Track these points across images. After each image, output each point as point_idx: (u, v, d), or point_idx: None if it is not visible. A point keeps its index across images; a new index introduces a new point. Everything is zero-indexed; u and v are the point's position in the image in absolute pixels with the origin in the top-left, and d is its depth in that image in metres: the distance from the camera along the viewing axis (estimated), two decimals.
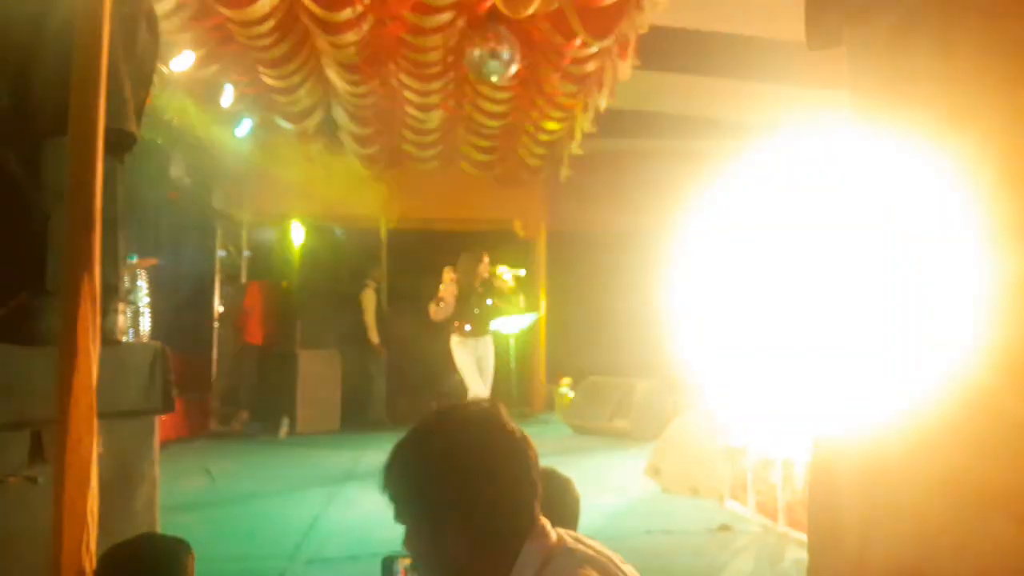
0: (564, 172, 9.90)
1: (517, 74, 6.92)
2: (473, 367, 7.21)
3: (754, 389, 6.14)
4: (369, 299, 9.80)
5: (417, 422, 1.45)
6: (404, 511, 1.40)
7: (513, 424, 1.44)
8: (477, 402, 1.49)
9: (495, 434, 1.41)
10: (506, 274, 7.74)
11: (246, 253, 10.08)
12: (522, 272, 7.80)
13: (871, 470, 1.51)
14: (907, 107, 1.41)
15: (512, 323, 8.16)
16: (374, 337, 9.75)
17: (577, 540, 1.47)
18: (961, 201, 1.39)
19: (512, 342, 9.20)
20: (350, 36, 6.52)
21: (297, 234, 10.35)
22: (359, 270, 10.18)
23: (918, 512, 1.36)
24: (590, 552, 1.44)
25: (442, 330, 7.64)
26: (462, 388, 7.35)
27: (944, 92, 1.32)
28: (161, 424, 3.55)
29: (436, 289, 7.45)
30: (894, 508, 1.42)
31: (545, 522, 1.46)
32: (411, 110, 8.24)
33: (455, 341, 7.34)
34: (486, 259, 7.47)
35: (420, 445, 1.41)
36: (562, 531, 1.47)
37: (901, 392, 1.57)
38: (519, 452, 1.42)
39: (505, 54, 6.64)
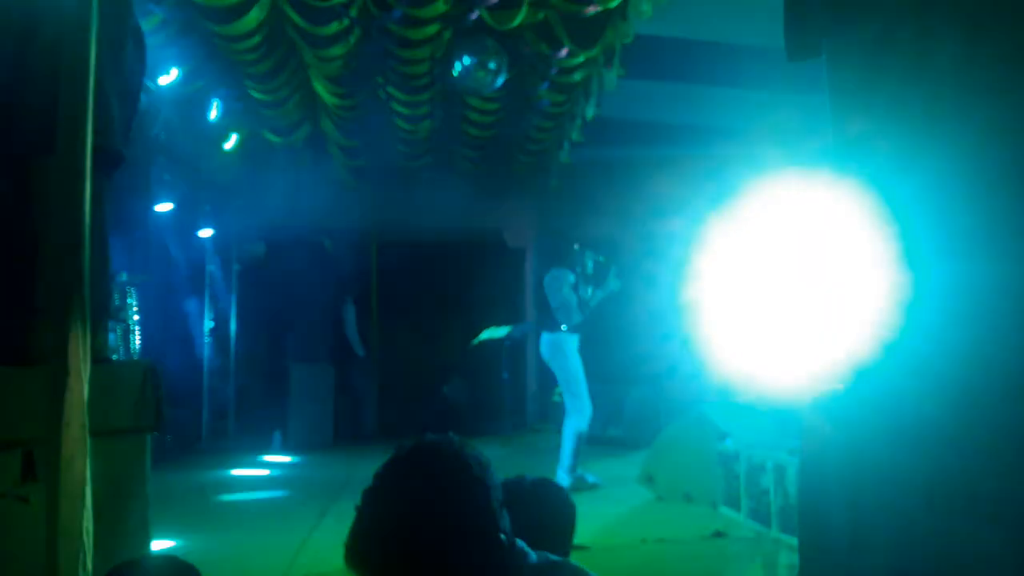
0: (553, 181, 9.95)
1: (504, 85, 6.96)
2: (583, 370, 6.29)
3: (747, 393, 6.17)
4: (349, 313, 9.87)
5: (370, 486, 1.46)
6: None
7: (464, 458, 1.44)
8: (432, 447, 1.48)
9: (441, 485, 1.41)
10: (593, 260, 6.70)
11: (236, 267, 10.06)
12: (601, 257, 6.65)
13: (859, 476, 1.53)
14: (886, 117, 1.43)
15: (497, 332, 8.02)
16: (359, 349, 9.78)
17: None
18: (940, 208, 1.41)
19: (504, 351, 9.21)
20: (337, 49, 6.55)
21: (286, 248, 10.34)
22: (349, 283, 10.20)
23: (904, 517, 1.37)
24: (574, 565, 1.46)
25: (435, 341, 7.52)
26: (457, 398, 7.21)
27: (922, 102, 1.34)
28: (153, 441, 3.54)
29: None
30: (882, 513, 1.44)
31: (522, 544, 1.46)
32: (399, 122, 8.27)
33: (563, 340, 6.24)
34: (576, 247, 6.56)
35: (370, 514, 1.42)
36: (543, 553, 1.48)
37: (888, 398, 1.59)
38: (470, 495, 1.42)
39: (492, 65, 6.68)
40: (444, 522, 1.37)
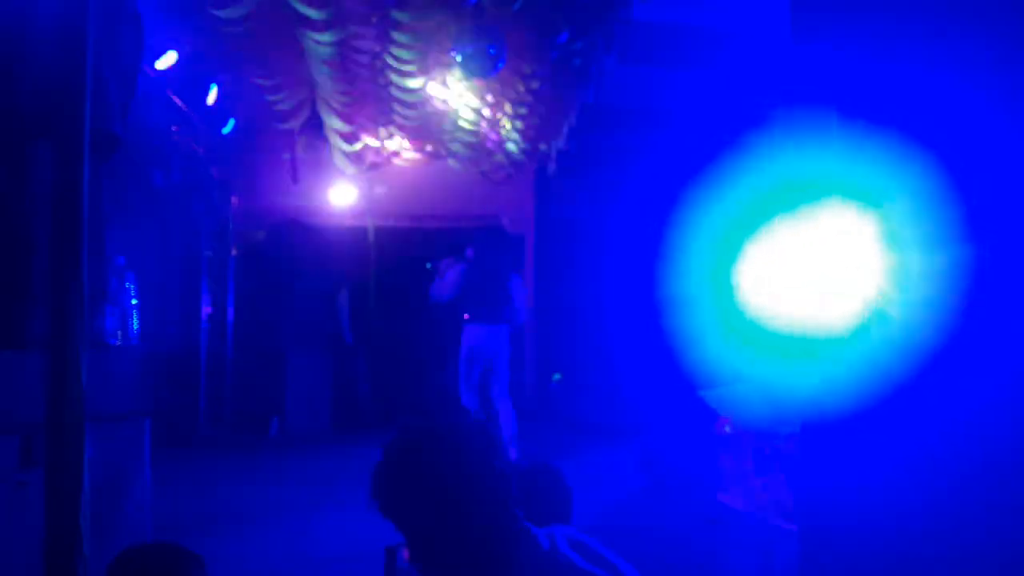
0: (551, 166, 9.91)
1: (503, 70, 6.91)
2: None
3: (745, 379, 6.16)
4: (343, 300, 9.88)
5: (396, 439, 1.47)
6: (396, 522, 1.45)
7: (488, 434, 1.48)
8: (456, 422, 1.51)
9: (464, 446, 1.45)
10: None
11: (233, 253, 10.03)
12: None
13: (863, 465, 1.52)
14: (894, 100, 1.42)
15: None
16: (348, 337, 9.81)
17: (572, 544, 1.48)
18: (950, 192, 1.40)
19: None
20: (335, 34, 6.50)
21: (284, 233, 10.32)
22: (347, 269, 10.18)
23: (909, 506, 1.37)
24: (584, 568, 1.44)
25: (433, 327, 7.61)
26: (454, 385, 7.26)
27: (931, 85, 1.32)
28: (151, 426, 3.53)
29: (424, 286, 7.45)
30: (886, 502, 1.43)
31: (532, 528, 1.45)
32: (397, 107, 8.22)
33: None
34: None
35: (398, 467, 1.46)
36: (557, 533, 1.48)
37: (883, 384, 1.59)
38: (487, 456, 1.45)
39: (491, 50, 6.63)
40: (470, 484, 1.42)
